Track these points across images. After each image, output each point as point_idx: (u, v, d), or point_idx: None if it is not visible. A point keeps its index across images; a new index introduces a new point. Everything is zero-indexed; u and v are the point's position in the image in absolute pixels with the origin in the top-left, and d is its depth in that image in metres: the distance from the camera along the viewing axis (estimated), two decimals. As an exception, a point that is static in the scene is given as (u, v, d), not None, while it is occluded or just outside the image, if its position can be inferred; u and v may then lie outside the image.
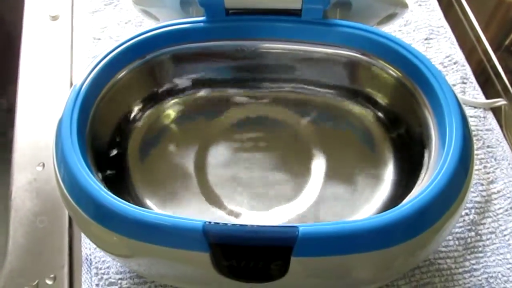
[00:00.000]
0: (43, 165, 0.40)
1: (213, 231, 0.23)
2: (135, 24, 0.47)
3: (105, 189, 0.25)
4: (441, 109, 0.28)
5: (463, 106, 0.40)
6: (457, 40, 0.46)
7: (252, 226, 0.23)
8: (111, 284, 0.34)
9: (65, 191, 0.27)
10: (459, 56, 0.44)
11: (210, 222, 0.23)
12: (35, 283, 0.35)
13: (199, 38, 0.32)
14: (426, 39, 0.45)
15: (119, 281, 0.34)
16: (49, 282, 0.35)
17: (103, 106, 0.30)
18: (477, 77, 0.44)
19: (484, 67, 0.46)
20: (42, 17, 0.48)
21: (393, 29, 0.46)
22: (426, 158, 0.29)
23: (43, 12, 0.48)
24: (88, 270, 0.35)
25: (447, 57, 0.44)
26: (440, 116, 0.28)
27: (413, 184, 0.28)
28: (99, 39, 0.46)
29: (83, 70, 0.29)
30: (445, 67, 0.44)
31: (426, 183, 0.27)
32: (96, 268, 0.34)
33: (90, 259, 0.35)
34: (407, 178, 0.30)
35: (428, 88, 0.29)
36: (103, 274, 0.34)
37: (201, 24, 0.31)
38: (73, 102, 0.27)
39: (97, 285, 0.34)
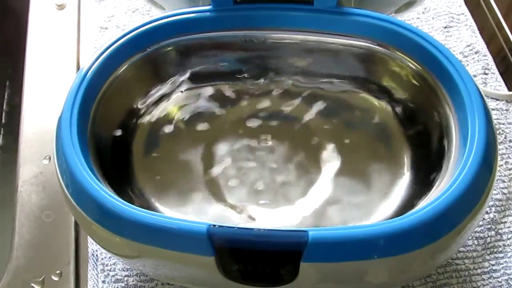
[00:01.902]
0: (49, 158, 0.39)
1: (218, 234, 0.22)
2: (142, 13, 0.46)
3: (106, 189, 0.24)
4: (463, 105, 0.26)
5: (487, 98, 0.39)
6: (479, 28, 0.43)
7: (259, 229, 0.22)
8: (117, 281, 0.33)
9: (66, 192, 0.26)
10: (481, 45, 0.42)
11: (214, 225, 0.22)
12: (41, 278, 0.34)
13: (205, 28, 0.31)
14: (445, 27, 0.43)
15: (125, 278, 0.33)
16: (55, 278, 0.34)
17: (105, 102, 0.29)
18: (498, 67, 0.42)
19: (505, 55, 0.43)
20: (48, 6, 0.47)
21: (411, 17, 0.44)
22: (445, 157, 0.27)
23: (50, 1, 0.47)
24: (94, 267, 0.34)
25: (468, 46, 0.42)
26: (461, 112, 0.26)
27: (431, 185, 0.27)
28: (106, 28, 0.45)
29: (86, 63, 0.28)
30: (465, 57, 0.42)
31: (447, 184, 0.25)
32: (103, 264, 0.34)
33: (97, 255, 0.34)
34: (424, 177, 0.29)
35: (448, 82, 0.27)
36: (110, 270, 0.34)
37: (207, 13, 0.30)
38: (73, 100, 0.26)
39: (103, 281, 0.33)
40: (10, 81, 0.49)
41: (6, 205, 0.39)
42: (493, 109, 0.39)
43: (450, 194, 0.24)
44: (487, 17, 0.45)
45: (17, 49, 0.46)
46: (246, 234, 0.22)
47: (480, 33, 0.43)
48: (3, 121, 0.47)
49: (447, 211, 0.24)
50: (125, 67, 0.30)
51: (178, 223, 0.23)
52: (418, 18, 0.44)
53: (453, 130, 0.27)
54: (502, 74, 0.41)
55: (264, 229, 0.22)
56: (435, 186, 0.27)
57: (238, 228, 0.23)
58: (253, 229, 0.22)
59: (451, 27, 0.44)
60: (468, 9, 0.45)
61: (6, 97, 0.49)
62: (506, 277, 0.33)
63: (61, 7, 0.47)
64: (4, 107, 0.48)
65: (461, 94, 0.26)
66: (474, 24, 0.44)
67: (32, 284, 0.34)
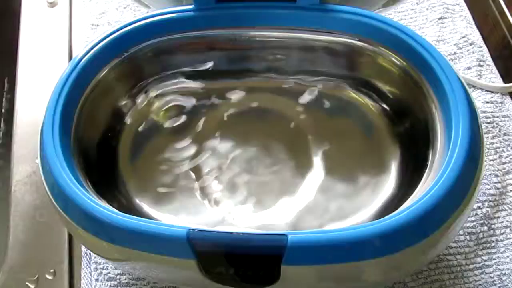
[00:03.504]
0: (42, 158, 0.40)
1: (197, 238, 0.22)
2: (133, 9, 0.45)
3: (88, 194, 0.24)
4: (448, 103, 0.25)
5: (481, 90, 0.39)
6: (474, 18, 0.43)
7: (238, 233, 0.22)
8: (110, 279, 0.34)
9: (51, 196, 0.26)
10: (476, 36, 0.42)
11: (194, 230, 0.22)
12: (35, 277, 0.35)
13: (188, 27, 0.30)
14: (440, 18, 0.43)
15: (118, 276, 0.34)
16: (49, 277, 0.35)
17: (88, 106, 0.29)
18: (496, 59, 0.41)
19: (507, 44, 0.42)
20: (40, 4, 0.47)
21: (404, 8, 0.43)
22: (430, 156, 0.27)
23: (41, -2, 0.47)
24: (87, 265, 0.35)
25: (463, 37, 0.41)
26: (446, 110, 0.26)
27: (417, 183, 0.27)
28: (98, 25, 0.45)
29: (66, 67, 0.28)
30: (460, 48, 0.41)
31: (432, 181, 0.25)
32: (95, 263, 0.34)
33: (89, 254, 0.35)
34: (410, 175, 0.28)
35: (433, 79, 0.27)
36: (102, 269, 0.34)
37: (190, 13, 0.30)
38: (54, 104, 0.26)
39: (96, 280, 0.34)
40: (2, 80, 0.49)
41: (0, 205, 0.39)
42: (487, 102, 0.39)
43: (436, 192, 0.24)
44: (490, 4, 0.44)
45: (9, 48, 0.46)
46: (225, 238, 0.22)
47: (481, 21, 0.42)
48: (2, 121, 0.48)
49: (433, 209, 0.24)
50: (106, 70, 0.30)
51: (159, 228, 0.23)
52: (412, 9, 0.43)
53: (438, 130, 0.26)
54: (502, 67, 0.40)
55: (243, 233, 0.22)
56: (421, 183, 0.27)
57: (217, 232, 0.23)
58: (232, 233, 0.22)
59: (445, 18, 0.43)
60: (465, -1, 0.44)
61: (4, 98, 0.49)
62: (498, 273, 0.33)
63: (52, 4, 0.47)
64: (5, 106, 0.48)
65: (446, 92, 0.26)
66: (469, 15, 0.43)
67: (27, 283, 0.34)
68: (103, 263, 0.34)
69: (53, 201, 0.27)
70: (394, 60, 0.29)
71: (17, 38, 0.45)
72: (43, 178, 0.27)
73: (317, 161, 0.31)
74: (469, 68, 0.40)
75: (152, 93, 0.33)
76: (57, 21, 0.46)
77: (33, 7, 0.47)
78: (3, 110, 0.46)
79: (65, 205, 0.26)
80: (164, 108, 0.34)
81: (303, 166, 0.31)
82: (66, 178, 0.25)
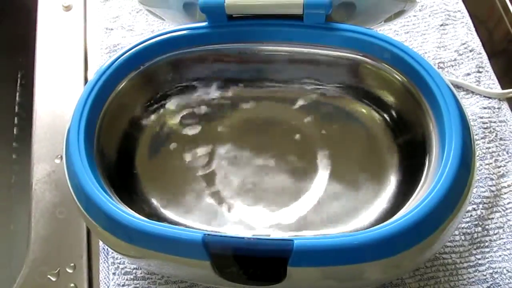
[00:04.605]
0: (61, 157, 0.41)
1: (212, 242, 0.24)
2: (146, 14, 0.47)
3: (111, 199, 0.27)
4: (441, 117, 0.27)
5: (479, 96, 0.40)
6: (475, 25, 0.44)
7: (249, 238, 0.24)
8: (126, 273, 0.36)
9: (75, 197, 0.28)
10: (476, 43, 0.43)
11: (209, 234, 0.24)
12: (56, 271, 0.37)
13: (201, 42, 0.32)
14: (441, 25, 0.44)
15: (134, 271, 0.36)
16: (69, 270, 0.37)
17: (109, 115, 0.31)
18: (494, 64, 0.42)
19: (505, 50, 0.44)
20: (55, 8, 0.49)
21: (407, 15, 0.45)
22: (426, 164, 0.29)
23: (57, 2, 0.49)
24: (105, 260, 0.36)
25: (463, 44, 0.43)
26: (441, 124, 0.27)
27: (414, 190, 0.29)
28: (111, 29, 0.47)
29: (90, 80, 0.30)
30: (460, 55, 0.43)
31: (427, 190, 0.27)
32: (113, 258, 0.36)
33: (107, 249, 0.37)
34: (408, 182, 0.30)
35: (429, 94, 0.28)
36: (119, 263, 0.36)
37: (203, 30, 0.32)
38: (80, 114, 0.28)
39: (113, 273, 0.36)
40: (21, 82, 0.51)
41: (22, 203, 0.41)
42: (485, 108, 0.40)
43: (431, 199, 0.26)
44: (490, 11, 0.45)
45: (26, 51, 0.48)
46: (237, 242, 0.24)
47: (481, 27, 0.43)
48: (15, 121, 0.50)
49: (428, 215, 0.26)
50: (126, 81, 0.32)
51: (177, 232, 0.25)
52: (415, 16, 0.45)
53: (433, 138, 0.28)
54: (505, 66, 0.41)
55: (254, 238, 0.24)
56: (417, 191, 0.29)
57: (230, 236, 0.25)
58: (243, 237, 0.24)
59: (447, 24, 0.44)
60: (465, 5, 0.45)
61: (18, 98, 0.51)
62: (490, 271, 0.34)
63: (67, 8, 0.48)
64: (17, 108, 0.50)
65: (440, 107, 0.27)
66: (470, 22, 0.44)
67: (49, 276, 0.36)
68: (120, 258, 0.36)
69: (76, 200, 0.29)
70: (394, 75, 0.31)
71: (34, 41, 0.47)
72: (67, 179, 0.29)
73: (322, 168, 0.33)
74: (468, 74, 0.42)
75: (168, 103, 0.35)
76: (72, 24, 0.48)
77: (49, 11, 0.48)
78: (19, 110, 0.48)
79: (87, 205, 0.28)
80: (179, 116, 0.36)
81: (308, 172, 0.33)
82: (89, 181, 0.27)
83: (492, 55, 0.43)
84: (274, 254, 0.24)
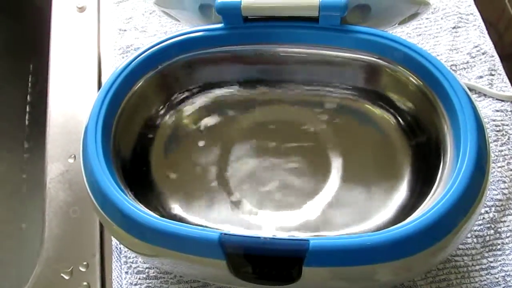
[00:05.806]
0: (74, 157, 0.42)
1: (228, 242, 0.25)
2: (159, 15, 0.47)
3: (128, 198, 0.27)
4: (457, 120, 0.27)
5: (492, 99, 0.40)
6: (487, 28, 0.44)
7: (265, 238, 0.25)
8: (139, 272, 0.36)
9: (91, 196, 0.28)
10: (488, 45, 0.43)
11: (226, 234, 0.25)
12: (69, 269, 0.37)
13: (217, 44, 0.32)
14: (454, 27, 0.44)
15: (146, 270, 0.36)
16: (82, 269, 0.37)
17: (125, 115, 0.31)
18: (506, 67, 0.42)
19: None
20: (69, 9, 0.49)
21: (421, 17, 0.45)
22: (440, 167, 0.29)
23: (71, 3, 0.49)
24: (118, 259, 0.37)
25: (476, 47, 0.43)
26: (455, 127, 0.28)
27: (428, 192, 0.29)
28: (125, 30, 0.47)
29: (107, 81, 0.30)
30: (472, 57, 0.43)
31: (441, 192, 0.27)
32: (125, 257, 0.36)
33: (120, 248, 0.37)
34: (422, 185, 0.30)
35: (444, 97, 0.29)
36: (132, 263, 0.36)
37: (220, 31, 0.32)
38: (97, 114, 0.29)
39: (126, 272, 0.36)
40: (35, 83, 0.51)
41: (36, 202, 0.41)
42: (497, 110, 0.40)
43: (445, 202, 0.26)
44: (502, 13, 0.45)
45: (40, 52, 0.49)
46: (253, 242, 0.25)
47: (493, 30, 0.43)
48: (27, 122, 0.50)
49: (442, 218, 0.26)
50: (142, 81, 0.32)
51: (193, 231, 0.25)
52: (428, 18, 0.45)
53: (448, 141, 0.28)
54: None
55: (270, 238, 0.25)
56: (431, 193, 0.29)
57: (246, 236, 0.25)
58: (260, 237, 0.25)
59: (459, 27, 0.44)
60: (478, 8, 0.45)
61: (31, 98, 0.51)
62: (503, 274, 0.34)
63: (81, 9, 0.49)
64: (29, 108, 0.51)
65: (456, 111, 0.27)
66: (482, 24, 0.44)
67: (62, 274, 0.37)
68: (133, 257, 0.36)
69: (92, 198, 0.29)
70: (410, 77, 0.31)
71: (48, 41, 0.47)
72: (84, 177, 0.29)
73: (335, 169, 0.33)
74: (480, 77, 0.42)
75: (183, 104, 0.36)
76: (86, 25, 0.48)
77: (63, 12, 0.49)
78: (32, 110, 0.48)
79: (103, 202, 0.28)
80: (194, 117, 0.36)
81: (322, 173, 0.33)
82: (105, 179, 0.28)
83: (503, 58, 0.43)
84: (290, 254, 0.24)
